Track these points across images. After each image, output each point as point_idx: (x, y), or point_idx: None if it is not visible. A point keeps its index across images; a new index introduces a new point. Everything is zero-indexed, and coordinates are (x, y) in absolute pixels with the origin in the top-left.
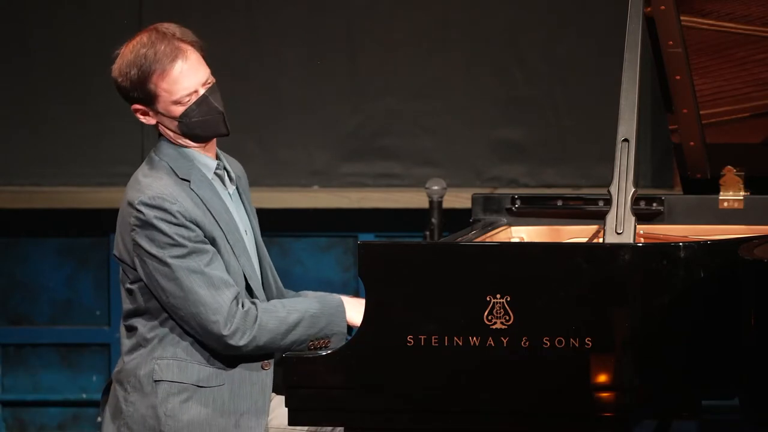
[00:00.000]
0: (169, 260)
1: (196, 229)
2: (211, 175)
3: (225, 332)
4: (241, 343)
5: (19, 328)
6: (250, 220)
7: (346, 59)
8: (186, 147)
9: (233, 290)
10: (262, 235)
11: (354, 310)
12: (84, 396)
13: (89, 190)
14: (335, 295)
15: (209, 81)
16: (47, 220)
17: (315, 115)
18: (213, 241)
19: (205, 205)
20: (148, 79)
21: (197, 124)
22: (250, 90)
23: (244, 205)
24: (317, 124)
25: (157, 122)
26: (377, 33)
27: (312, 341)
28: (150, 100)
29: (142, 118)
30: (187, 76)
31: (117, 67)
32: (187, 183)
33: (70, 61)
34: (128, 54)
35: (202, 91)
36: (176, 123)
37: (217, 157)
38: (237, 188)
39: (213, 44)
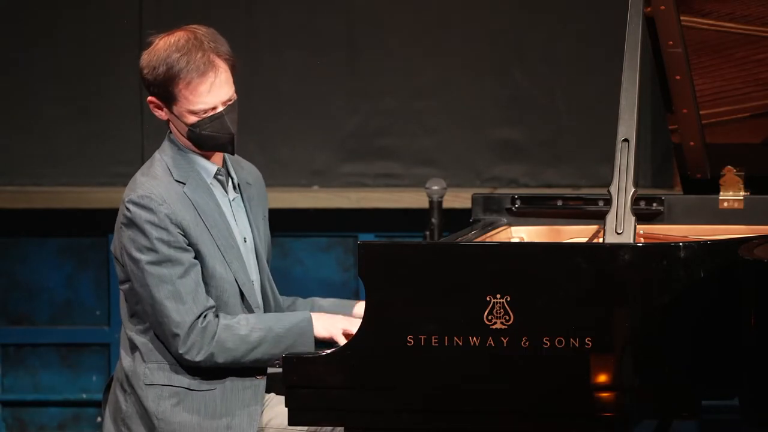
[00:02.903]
0: (144, 265)
1: (178, 234)
2: (210, 180)
3: (181, 348)
4: (198, 358)
5: (19, 328)
6: (252, 229)
7: (346, 59)
8: (189, 149)
9: (201, 306)
10: None
11: (320, 323)
12: (84, 396)
13: (89, 190)
14: (305, 313)
15: (231, 99)
16: (47, 220)
17: (315, 115)
18: (199, 246)
19: (196, 209)
20: (173, 83)
21: (206, 137)
22: (250, 90)
23: (247, 213)
24: (317, 124)
25: (168, 119)
26: (377, 33)
27: (277, 360)
28: (168, 100)
29: (155, 111)
30: (211, 93)
31: (146, 59)
32: (182, 185)
33: (70, 61)
34: (161, 50)
35: (220, 109)
36: (186, 129)
37: (224, 163)
38: (241, 195)
39: None
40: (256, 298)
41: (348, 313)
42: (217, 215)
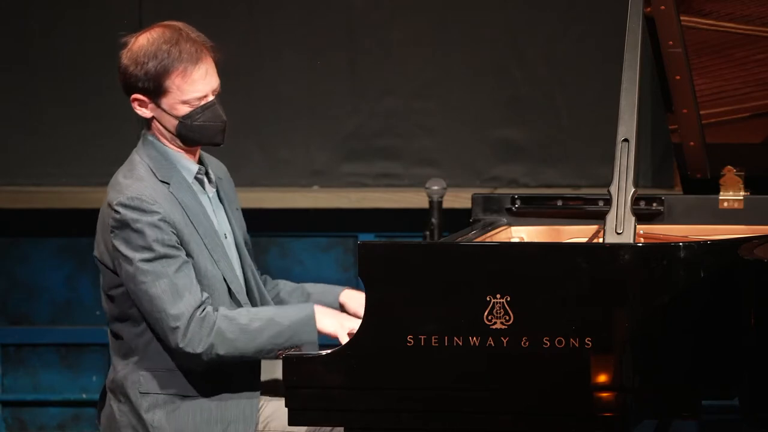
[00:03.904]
0: (138, 264)
1: (172, 233)
2: (191, 179)
3: (181, 341)
4: (198, 350)
5: (19, 328)
6: (231, 224)
7: (346, 59)
8: (171, 148)
9: (197, 299)
10: (263, 236)
11: (328, 319)
12: (84, 396)
13: (89, 190)
14: (309, 305)
15: (217, 89)
16: (47, 220)
17: (315, 115)
18: (189, 246)
19: (183, 208)
20: (166, 75)
21: (197, 128)
22: (250, 90)
23: (224, 208)
24: (317, 124)
25: (153, 116)
26: (377, 33)
27: (280, 350)
28: (158, 94)
29: (139, 109)
30: (205, 81)
31: (131, 56)
32: (167, 185)
33: (70, 61)
34: (147, 45)
35: (211, 98)
36: (176, 122)
37: (200, 161)
38: (217, 191)
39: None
40: (244, 294)
41: (335, 297)
42: (202, 215)
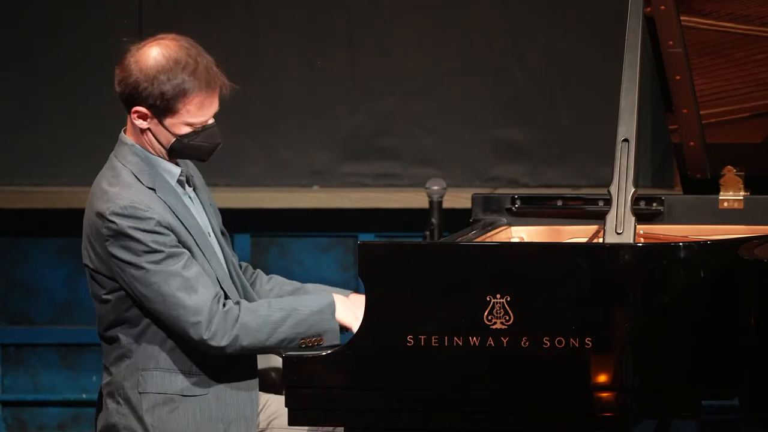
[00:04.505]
0: (146, 265)
1: (171, 234)
2: (174, 182)
3: (205, 334)
4: (223, 343)
5: (19, 328)
6: (210, 221)
7: (346, 59)
8: (152, 153)
9: (212, 290)
10: (263, 236)
11: (346, 309)
12: (84, 396)
13: (89, 190)
14: (328, 293)
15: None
16: (47, 220)
17: (315, 115)
18: (187, 247)
19: (173, 212)
20: (182, 99)
21: (192, 146)
22: (250, 90)
23: (203, 207)
24: (317, 124)
25: (149, 128)
26: (377, 33)
27: (303, 339)
28: (164, 112)
29: (138, 121)
30: (213, 108)
31: (144, 70)
32: (153, 191)
33: (70, 61)
34: (165, 63)
35: (211, 121)
36: (173, 139)
37: (177, 163)
38: (194, 190)
39: (213, 44)
40: (234, 291)
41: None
42: (189, 216)
